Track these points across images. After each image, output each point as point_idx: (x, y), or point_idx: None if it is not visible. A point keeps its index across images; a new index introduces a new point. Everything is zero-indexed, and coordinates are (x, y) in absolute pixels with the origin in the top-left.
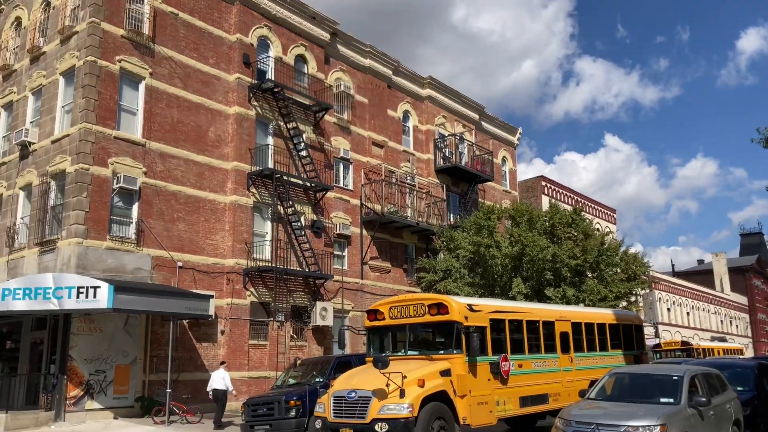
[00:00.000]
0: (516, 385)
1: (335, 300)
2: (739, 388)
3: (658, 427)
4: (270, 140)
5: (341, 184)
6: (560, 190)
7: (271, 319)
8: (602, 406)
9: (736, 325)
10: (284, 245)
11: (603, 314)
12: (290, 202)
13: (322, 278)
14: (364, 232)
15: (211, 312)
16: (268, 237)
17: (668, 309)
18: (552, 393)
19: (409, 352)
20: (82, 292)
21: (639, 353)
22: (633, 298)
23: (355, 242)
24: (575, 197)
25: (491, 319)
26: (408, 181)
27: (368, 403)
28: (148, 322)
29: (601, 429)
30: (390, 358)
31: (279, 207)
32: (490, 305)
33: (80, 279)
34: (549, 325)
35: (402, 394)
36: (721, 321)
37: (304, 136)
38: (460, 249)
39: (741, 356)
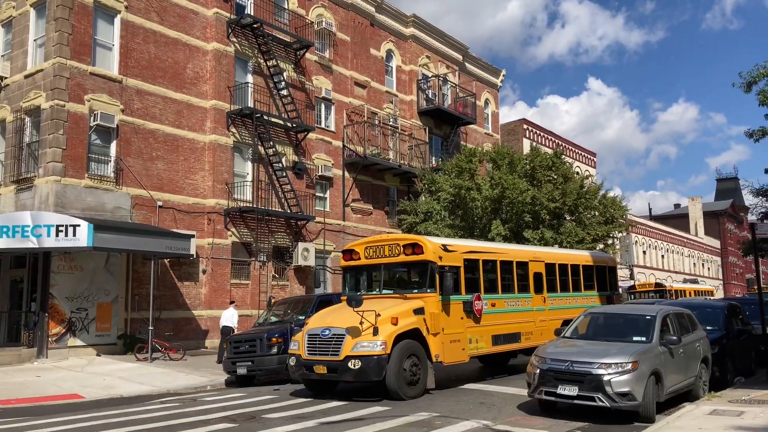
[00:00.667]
0: (489, 324)
1: (317, 241)
2: (708, 328)
3: (630, 364)
4: (249, 78)
5: (323, 125)
6: (542, 134)
7: (253, 259)
8: (577, 344)
9: (708, 268)
10: (265, 186)
11: (577, 255)
12: (271, 143)
13: (303, 219)
14: (346, 174)
15: (193, 251)
16: (249, 178)
17: (644, 252)
18: (524, 332)
19: (384, 291)
20: (61, 231)
21: (612, 294)
22: (610, 241)
23: (337, 184)
24: (556, 141)
25: (465, 260)
26: (391, 123)
27: (342, 341)
28: (129, 261)
29: (575, 366)
30: (365, 297)
31: (260, 147)
32: (464, 245)
33: (59, 217)
34: (523, 266)
35: (375, 332)
36: (694, 264)
37: (285, 74)
38: (441, 191)
39: (711, 297)
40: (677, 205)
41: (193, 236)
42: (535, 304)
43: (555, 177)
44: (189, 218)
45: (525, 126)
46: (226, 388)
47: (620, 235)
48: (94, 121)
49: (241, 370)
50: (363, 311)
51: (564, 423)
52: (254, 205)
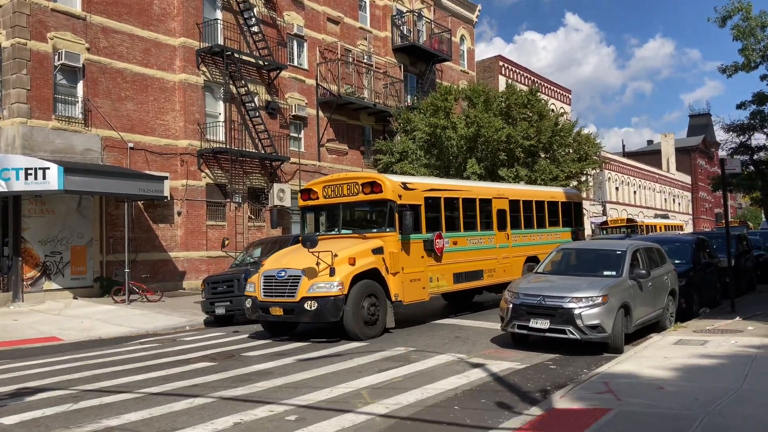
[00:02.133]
0: (450, 262)
1: (292, 182)
2: (677, 261)
3: (600, 298)
4: (219, 14)
5: (296, 63)
6: (518, 71)
7: (228, 200)
8: (549, 279)
9: (679, 203)
10: (238, 126)
11: (542, 192)
12: (243, 82)
13: (278, 160)
14: (321, 113)
15: (166, 193)
16: (221, 118)
17: (617, 188)
18: (487, 269)
19: (343, 231)
20: (30, 174)
21: (577, 230)
22: (583, 178)
23: (312, 124)
24: (532, 78)
25: (426, 198)
26: (365, 61)
27: (298, 282)
28: (102, 204)
29: (547, 300)
30: (323, 237)
31: (231, 87)
32: (425, 183)
33: (27, 160)
34: (486, 203)
35: (332, 273)
36: (665, 199)
37: (255, 10)
38: (417, 131)
39: (681, 232)
40: (650, 142)
41: (166, 178)
42: (498, 242)
43: (530, 115)
44: (161, 160)
45: (501, 63)
46: (205, 328)
47: (593, 172)
48: (58, 60)
49: (220, 311)
50: (319, 252)
51: (536, 355)
52: (228, 146)
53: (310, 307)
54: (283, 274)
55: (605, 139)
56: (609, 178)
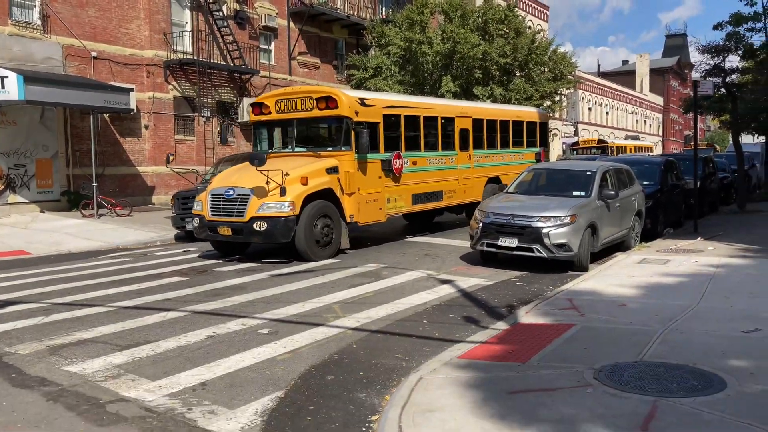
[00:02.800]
0: (409, 183)
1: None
2: (645, 183)
3: (568, 218)
4: None
5: None
6: None
7: (197, 114)
8: (519, 199)
9: (650, 125)
10: (206, 37)
11: (507, 111)
12: None
13: (248, 73)
14: (292, 24)
15: (133, 106)
16: (188, 27)
17: (589, 108)
18: (447, 190)
19: (297, 149)
20: None
21: (541, 151)
22: (558, 98)
23: (282, 36)
24: None
25: (385, 115)
26: None
27: (247, 202)
28: (66, 116)
29: (516, 220)
30: (276, 155)
31: None
32: (384, 99)
33: None
34: (448, 122)
35: (283, 192)
36: (637, 120)
37: None
38: (392, 45)
39: (651, 153)
40: (625, 62)
41: (132, 90)
42: (459, 162)
43: (507, 31)
44: (127, 71)
45: None
46: (176, 243)
47: (568, 91)
48: None
49: (190, 226)
50: (268, 170)
51: (504, 272)
52: (195, 57)
53: (260, 228)
54: (231, 192)
55: (581, 59)
56: (582, 98)
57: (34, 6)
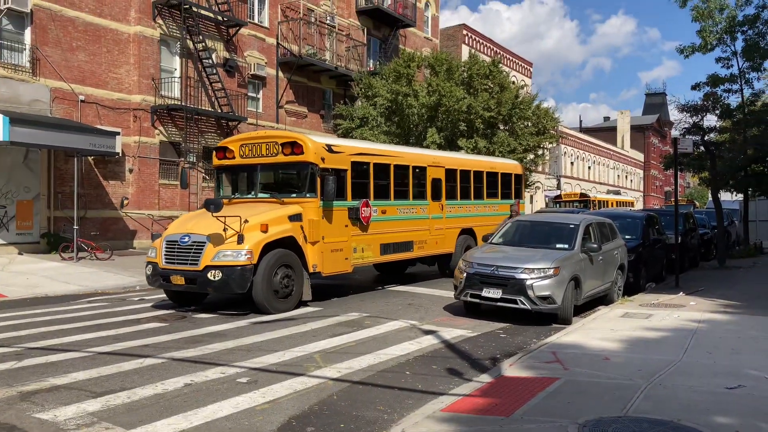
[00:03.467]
0: (377, 232)
1: None
2: (627, 237)
3: (552, 270)
4: None
5: (256, 21)
6: (481, 41)
7: (182, 159)
8: (503, 250)
9: (631, 180)
10: (195, 83)
11: (481, 162)
12: (200, 37)
13: (235, 120)
14: (281, 74)
15: (118, 149)
16: (177, 73)
17: (572, 163)
18: (418, 241)
19: (261, 195)
20: None
21: (516, 203)
22: (540, 152)
23: (271, 84)
24: (495, 49)
25: (354, 162)
26: (328, 22)
27: (202, 249)
28: (50, 158)
29: (500, 271)
30: (239, 201)
31: (188, 41)
32: (352, 146)
33: None
34: (420, 171)
35: (240, 240)
36: (618, 176)
37: None
38: (378, 97)
39: (632, 208)
40: (607, 118)
41: (118, 133)
42: (431, 212)
43: (491, 86)
44: (114, 114)
45: (465, 32)
46: (156, 288)
47: (550, 146)
48: (4, 4)
49: None
50: (225, 217)
51: (487, 323)
52: (183, 103)
53: (214, 277)
54: (186, 239)
55: (563, 114)
56: (565, 152)
57: (24, 49)
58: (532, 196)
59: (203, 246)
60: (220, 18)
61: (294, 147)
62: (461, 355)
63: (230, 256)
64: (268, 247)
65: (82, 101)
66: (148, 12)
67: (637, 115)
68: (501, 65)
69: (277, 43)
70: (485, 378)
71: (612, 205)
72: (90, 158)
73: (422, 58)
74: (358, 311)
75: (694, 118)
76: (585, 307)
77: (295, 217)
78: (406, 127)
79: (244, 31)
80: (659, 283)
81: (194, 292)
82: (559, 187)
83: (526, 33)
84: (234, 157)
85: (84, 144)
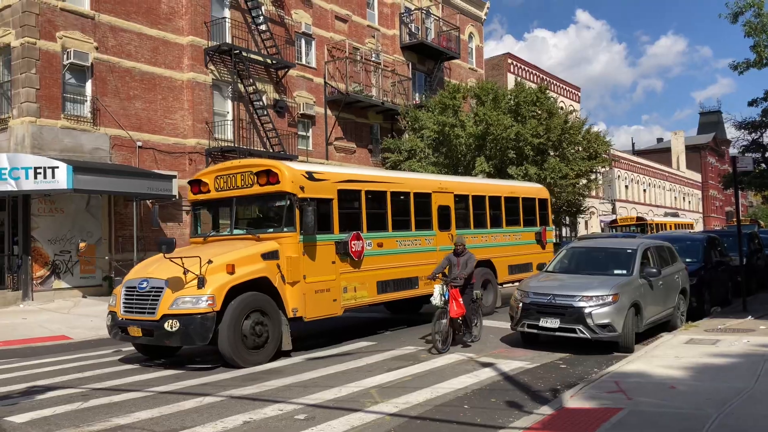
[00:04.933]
0: (372, 268)
1: None
2: (688, 260)
3: (611, 297)
4: (227, 13)
5: (303, 62)
6: (526, 68)
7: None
8: (559, 278)
9: (689, 201)
10: (246, 125)
11: (497, 186)
12: (251, 80)
13: (286, 159)
14: (329, 111)
15: (175, 192)
16: (230, 117)
17: (626, 186)
18: (424, 276)
19: (236, 232)
20: (39, 173)
21: (542, 230)
22: (593, 176)
23: (320, 122)
24: (541, 75)
25: (341, 191)
26: (373, 59)
27: (160, 295)
28: (110, 203)
29: (557, 299)
30: (214, 238)
31: (239, 85)
32: (338, 173)
33: (37, 159)
34: (424, 198)
35: (201, 284)
36: (675, 197)
37: (263, 8)
38: (425, 129)
39: (692, 230)
40: (660, 140)
41: (174, 177)
42: (439, 243)
43: (539, 112)
44: (170, 158)
45: (509, 60)
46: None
47: (603, 170)
48: (67, 59)
49: None
50: (184, 258)
51: (546, 354)
52: (236, 145)
53: (172, 328)
54: (144, 284)
55: (615, 137)
56: (618, 176)
57: (86, 101)
58: (587, 222)
59: (161, 292)
60: (269, 61)
61: (269, 176)
62: (520, 388)
63: (189, 303)
64: (236, 291)
65: (139, 147)
66: (200, 59)
67: (692, 135)
68: (548, 91)
69: (325, 82)
70: (546, 410)
71: (670, 228)
72: (148, 202)
73: (468, 89)
74: (412, 345)
75: (753, 134)
76: (647, 335)
77: (270, 255)
78: (455, 158)
79: (292, 72)
80: (725, 307)
81: (167, 345)
82: (614, 211)
83: (573, 58)
84: (209, 191)
85: (142, 188)
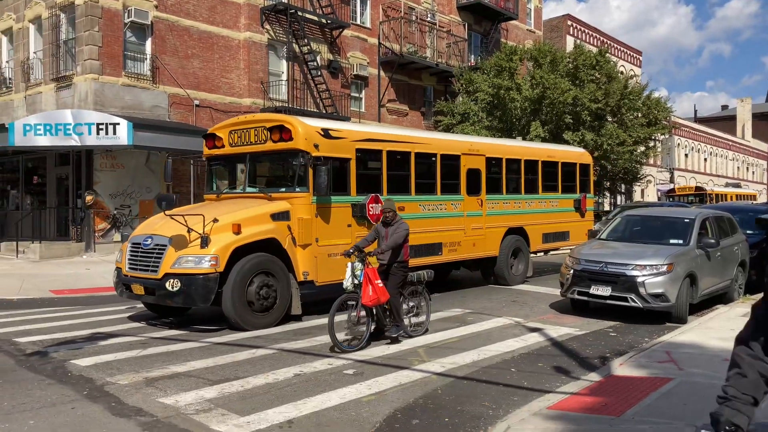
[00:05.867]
0: None
1: None
2: (749, 232)
3: (665, 266)
4: None
5: (358, 22)
6: (586, 30)
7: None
8: (612, 246)
9: (753, 172)
10: (300, 85)
11: (534, 149)
12: (306, 40)
13: (340, 120)
14: (382, 73)
15: None
16: (284, 77)
17: (686, 155)
18: (448, 242)
19: (249, 190)
20: (101, 129)
21: (582, 197)
22: (652, 144)
23: (373, 84)
24: (601, 38)
25: (360, 149)
26: (428, 19)
27: (163, 253)
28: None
29: (609, 267)
30: (227, 196)
31: (294, 45)
32: (357, 131)
33: (99, 116)
34: (452, 160)
35: (204, 243)
36: (738, 167)
37: None
38: (480, 92)
39: (754, 202)
40: (725, 107)
41: None
42: (467, 209)
43: (598, 77)
44: (226, 117)
45: (569, 22)
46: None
47: (662, 137)
48: (128, 17)
49: None
50: (187, 216)
51: (595, 321)
52: (290, 105)
53: (172, 287)
54: (149, 241)
55: (677, 104)
56: (678, 144)
57: (145, 59)
58: (643, 191)
59: (164, 249)
60: (324, 21)
61: (282, 132)
62: (568, 354)
63: (191, 263)
64: (242, 251)
65: (197, 106)
66: (256, 18)
67: (760, 102)
68: (608, 55)
69: (379, 42)
70: (594, 377)
71: (731, 199)
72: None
73: (525, 51)
74: (460, 307)
75: None
76: (701, 306)
77: (280, 216)
78: (509, 122)
79: (346, 32)
80: None
81: (168, 305)
82: (672, 180)
83: (636, 21)
84: (223, 146)
85: (199, 146)
